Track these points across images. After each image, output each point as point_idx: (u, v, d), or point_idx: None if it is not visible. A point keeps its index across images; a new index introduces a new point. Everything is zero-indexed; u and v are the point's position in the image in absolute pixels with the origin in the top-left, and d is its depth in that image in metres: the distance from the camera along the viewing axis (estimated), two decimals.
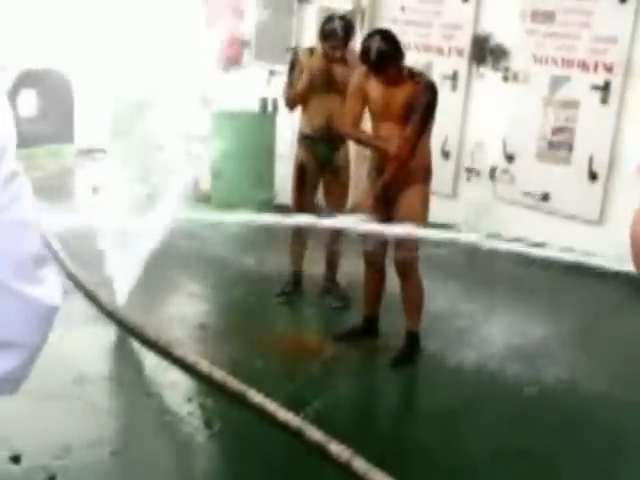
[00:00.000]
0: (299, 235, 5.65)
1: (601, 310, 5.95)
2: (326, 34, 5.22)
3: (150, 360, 4.67)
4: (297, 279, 5.77)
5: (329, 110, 5.35)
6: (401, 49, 4.47)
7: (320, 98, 5.36)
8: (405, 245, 4.60)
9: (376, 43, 4.39)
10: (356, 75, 4.75)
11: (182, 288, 5.87)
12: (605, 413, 4.27)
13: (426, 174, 4.64)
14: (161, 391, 4.31)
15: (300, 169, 5.55)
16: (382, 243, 4.70)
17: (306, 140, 5.52)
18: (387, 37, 4.46)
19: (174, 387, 4.35)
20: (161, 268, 5.89)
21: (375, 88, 4.53)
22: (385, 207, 4.63)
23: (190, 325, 5.22)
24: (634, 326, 5.68)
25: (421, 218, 4.62)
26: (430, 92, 4.44)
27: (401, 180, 4.54)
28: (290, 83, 5.46)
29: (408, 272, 4.66)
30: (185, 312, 5.43)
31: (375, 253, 4.80)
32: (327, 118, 5.37)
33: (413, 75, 4.51)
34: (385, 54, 4.38)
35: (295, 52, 5.62)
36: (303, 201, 5.56)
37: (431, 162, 4.70)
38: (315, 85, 5.34)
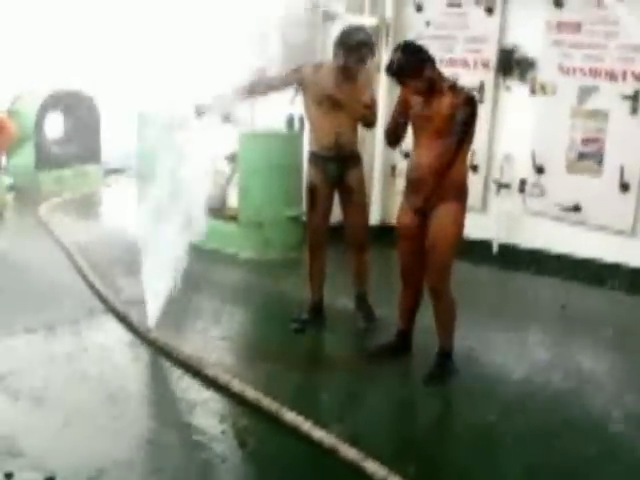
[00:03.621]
0: (317, 259, 5.56)
1: None
2: (345, 46, 5.13)
3: (182, 380, 4.66)
4: (317, 306, 5.62)
5: (338, 128, 5.24)
6: (427, 60, 4.44)
7: (329, 115, 5.23)
8: (437, 265, 4.55)
9: (397, 55, 4.39)
10: (401, 90, 4.72)
11: (210, 309, 5.84)
12: None
13: (461, 192, 4.58)
14: (194, 410, 4.28)
15: (311, 189, 5.43)
16: (419, 260, 4.65)
17: (316, 159, 5.40)
18: (410, 49, 4.45)
19: (207, 406, 4.33)
20: (190, 288, 5.91)
21: (418, 101, 4.51)
22: (420, 226, 4.58)
23: (217, 345, 5.19)
24: None
25: (454, 236, 4.56)
26: (470, 106, 4.40)
27: (436, 197, 4.49)
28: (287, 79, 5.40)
29: (439, 292, 4.61)
30: (213, 333, 5.40)
31: (412, 269, 4.76)
32: (336, 136, 5.25)
33: (454, 88, 4.48)
34: (405, 65, 4.37)
35: (298, 69, 5.37)
36: (316, 221, 5.46)
37: (467, 180, 4.64)
38: (323, 102, 5.23)
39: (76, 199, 9.50)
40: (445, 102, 4.39)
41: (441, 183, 4.45)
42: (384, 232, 6.37)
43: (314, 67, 5.39)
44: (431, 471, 3.71)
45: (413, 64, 4.39)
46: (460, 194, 4.58)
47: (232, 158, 7.84)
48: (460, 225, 4.59)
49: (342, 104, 5.16)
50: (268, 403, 4.20)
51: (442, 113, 4.39)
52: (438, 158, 4.41)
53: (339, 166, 5.34)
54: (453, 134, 4.35)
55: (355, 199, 5.45)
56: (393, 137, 4.77)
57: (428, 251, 4.55)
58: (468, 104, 4.40)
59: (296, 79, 5.36)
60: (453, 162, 4.42)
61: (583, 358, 5.11)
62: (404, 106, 4.61)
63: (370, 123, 5.35)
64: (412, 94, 4.50)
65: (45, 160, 9.72)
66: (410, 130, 4.70)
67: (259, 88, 5.47)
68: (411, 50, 4.45)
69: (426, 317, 4.83)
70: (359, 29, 5.31)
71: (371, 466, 3.57)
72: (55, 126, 10.06)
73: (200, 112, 5.51)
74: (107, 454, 3.79)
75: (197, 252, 6.25)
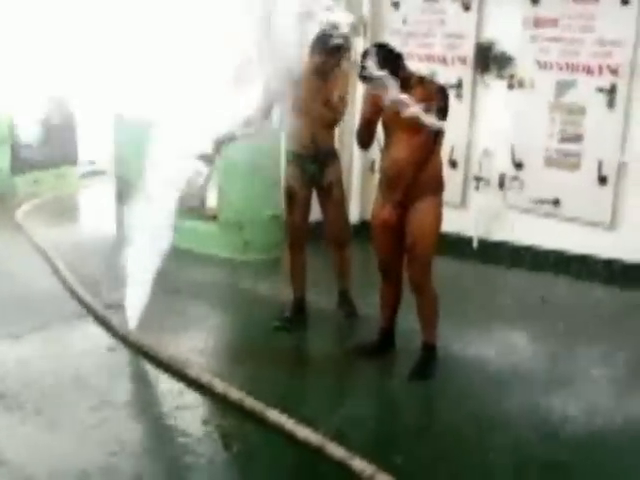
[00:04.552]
0: (298, 257, 5.55)
1: None
2: (321, 50, 5.12)
3: (164, 382, 4.62)
4: (299, 305, 5.59)
5: (313, 127, 5.22)
6: (398, 60, 4.41)
7: (305, 113, 5.20)
8: (419, 260, 4.54)
9: (371, 59, 4.33)
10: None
11: (190, 311, 5.80)
12: None
13: (438, 185, 4.59)
14: (177, 413, 4.24)
15: (289, 188, 5.43)
16: (397, 254, 4.65)
17: (293, 158, 5.39)
18: (381, 51, 4.38)
19: (190, 408, 4.29)
20: (171, 290, 5.87)
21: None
22: (398, 220, 4.57)
23: (199, 347, 5.16)
24: None
25: (434, 230, 4.56)
26: (442, 96, 4.39)
27: (414, 192, 4.48)
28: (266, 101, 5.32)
29: (422, 287, 4.60)
30: (194, 334, 5.36)
31: (390, 267, 4.75)
32: (312, 135, 5.24)
33: (423, 82, 4.47)
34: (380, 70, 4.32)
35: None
36: (296, 220, 5.44)
37: (442, 173, 4.64)
38: (299, 100, 5.19)
39: (53, 202, 9.40)
40: (417, 95, 4.37)
41: (419, 177, 4.44)
42: (364, 229, 6.35)
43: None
44: (418, 467, 3.69)
45: (387, 67, 4.35)
46: (437, 188, 4.59)
47: (209, 158, 7.78)
48: (440, 219, 4.60)
49: (322, 98, 5.14)
50: (252, 403, 4.17)
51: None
52: (415, 152, 4.39)
53: (317, 164, 5.32)
54: (428, 127, 4.33)
55: (334, 196, 5.43)
56: (365, 138, 4.73)
57: (409, 246, 4.54)
58: (440, 94, 4.40)
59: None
60: (431, 154, 4.41)
61: (564, 350, 5.11)
62: (373, 107, 4.57)
63: (330, 123, 5.31)
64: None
65: (21, 163, 9.62)
66: (381, 128, 4.67)
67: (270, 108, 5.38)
68: (382, 53, 4.38)
69: (408, 313, 4.82)
70: (335, 32, 5.27)
71: (358, 464, 3.55)
72: (30, 129, 9.96)
73: (219, 145, 5.49)
74: (90, 460, 3.74)
75: (176, 253, 6.22)
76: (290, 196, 5.43)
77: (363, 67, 4.33)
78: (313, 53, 5.16)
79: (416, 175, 4.43)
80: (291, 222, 5.48)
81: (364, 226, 6.82)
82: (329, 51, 5.08)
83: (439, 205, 4.59)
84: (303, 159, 5.31)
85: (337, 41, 5.08)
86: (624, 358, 4.98)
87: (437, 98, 4.37)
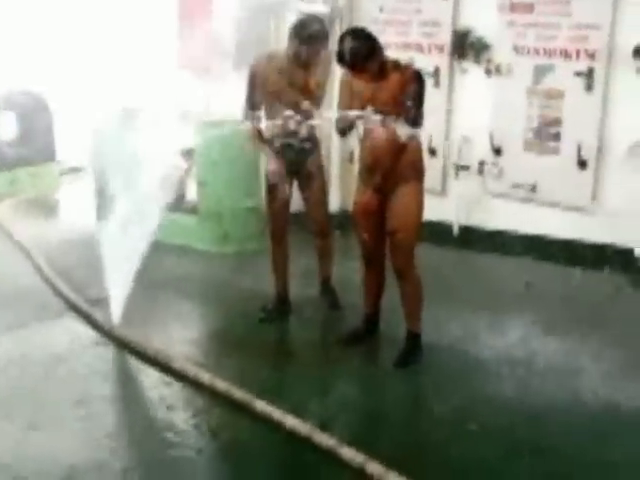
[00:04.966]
0: (280, 247, 5.54)
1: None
2: (300, 38, 5.07)
3: (150, 376, 4.60)
4: (282, 296, 5.58)
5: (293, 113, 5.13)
6: (378, 44, 4.38)
7: (283, 102, 5.13)
8: (402, 247, 4.54)
9: (349, 44, 4.30)
10: (343, 75, 4.70)
11: (174, 304, 5.77)
12: None
13: (418, 171, 4.59)
14: (163, 406, 4.22)
15: (269, 179, 5.39)
16: (379, 241, 4.65)
17: (273, 147, 5.34)
18: (360, 36, 4.36)
19: (176, 401, 4.28)
20: (154, 284, 5.84)
21: (362, 85, 4.47)
22: (379, 206, 4.57)
23: (184, 340, 5.15)
24: None
25: (417, 215, 4.57)
26: (418, 80, 4.39)
27: (394, 178, 4.48)
28: (250, 93, 5.31)
29: (406, 273, 4.60)
30: (178, 328, 5.34)
31: (374, 251, 4.75)
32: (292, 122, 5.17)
33: (398, 67, 4.46)
34: (360, 53, 4.29)
35: (254, 64, 5.28)
36: (277, 209, 5.41)
37: (422, 159, 4.64)
38: (277, 89, 5.17)
39: (32, 200, 9.33)
40: (393, 81, 4.37)
41: (398, 163, 4.44)
42: (344, 219, 6.34)
43: (266, 59, 5.31)
44: (407, 454, 3.69)
45: (366, 50, 4.32)
46: (418, 173, 4.59)
47: (188, 153, 7.75)
48: (422, 204, 4.60)
49: (301, 86, 5.13)
50: (239, 394, 4.16)
51: (393, 93, 4.37)
52: (393, 139, 4.38)
53: (297, 153, 5.30)
54: (405, 112, 4.33)
55: (315, 185, 5.42)
56: (343, 126, 4.69)
57: (392, 232, 4.54)
58: (415, 78, 4.40)
59: (254, 69, 5.29)
60: (409, 140, 4.42)
61: (550, 337, 5.13)
62: (350, 95, 4.56)
63: (305, 110, 5.28)
64: (364, 81, 4.45)
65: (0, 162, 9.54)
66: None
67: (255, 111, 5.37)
68: (360, 36, 4.36)
69: (392, 301, 4.83)
70: (313, 20, 5.24)
71: (347, 452, 3.54)
72: (7, 127, 9.87)
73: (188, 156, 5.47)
74: (77, 455, 3.72)
75: (158, 247, 6.19)
76: (270, 184, 5.40)
77: (341, 52, 4.32)
78: (291, 42, 5.14)
79: (395, 161, 4.42)
80: (272, 211, 5.46)
81: (344, 216, 6.82)
82: (306, 39, 5.05)
83: (420, 191, 4.59)
84: (284, 147, 5.28)
85: (314, 29, 5.06)
86: (608, 341, 5.00)
87: (413, 83, 4.36)
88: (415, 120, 4.37)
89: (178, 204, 7.81)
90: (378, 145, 4.47)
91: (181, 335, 5.23)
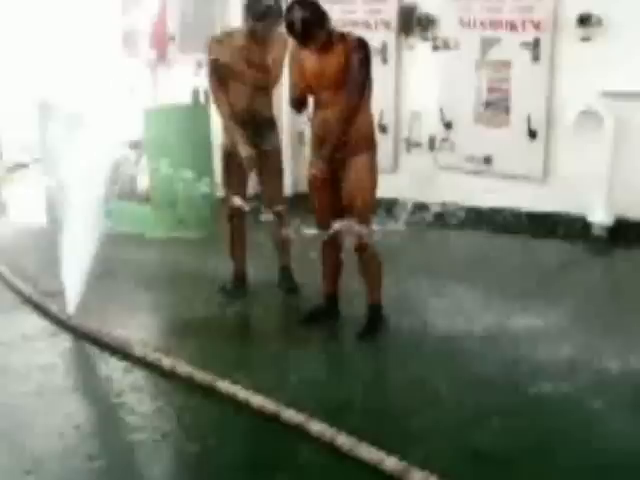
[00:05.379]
0: (237, 227, 5.49)
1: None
2: (253, 15, 5.02)
3: (110, 363, 4.52)
4: (240, 277, 5.56)
5: (252, 93, 5.16)
6: (325, 14, 4.34)
7: (242, 80, 5.13)
8: (359, 218, 4.51)
9: (298, 13, 4.26)
10: (289, 50, 4.65)
11: (131, 291, 5.69)
12: None
13: (370, 142, 4.56)
14: (125, 392, 4.14)
15: (227, 156, 5.34)
16: (336, 214, 4.60)
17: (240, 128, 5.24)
18: (307, 5, 4.30)
19: (138, 387, 4.20)
20: (109, 273, 5.75)
21: (310, 58, 4.43)
22: (332, 178, 4.54)
23: (143, 326, 5.08)
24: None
25: (371, 186, 4.55)
26: (362, 47, 4.36)
27: (347, 149, 4.44)
28: (210, 70, 5.24)
29: (364, 245, 4.57)
30: (137, 314, 5.27)
31: (329, 225, 4.70)
32: (250, 101, 5.17)
33: (343, 37, 4.42)
34: (308, 22, 4.25)
35: (212, 38, 5.28)
36: (233, 190, 5.36)
37: (374, 130, 4.62)
38: (236, 67, 5.12)
39: None
40: (339, 51, 4.34)
41: (349, 133, 4.40)
42: (298, 201, 6.29)
43: (224, 37, 5.26)
44: (375, 426, 3.67)
45: (314, 19, 4.28)
46: (370, 144, 4.56)
47: (137, 142, 7.65)
48: (376, 174, 4.57)
49: (258, 64, 5.08)
50: (202, 376, 4.10)
51: (339, 63, 4.34)
52: (343, 109, 4.36)
53: (255, 131, 5.24)
54: (351, 81, 4.31)
55: (272, 164, 5.37)
56: (298, 103, 4.67)
57: (348, 204, 4.51)
58: (360, 46, 4.36)
59: (211, 46, 5.23)
60: (359, 109, 4.38)
61: (504, 303, 5.16)
62: (300, 69, 4.52)
63: (265, 88, 5.23)
64: (312, 52, 4.41)
65: None
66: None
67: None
68: (308, 5, 4.30)
69: (351, 277, 4.81)
70: None
71: (316, 426, 3.51)
72: None
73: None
74: (41, 447, 3.62)
75: (113, 237, 6.12)
76: (228, 164, 5.34)
77: (290, 21, 4.27)
78: (245, 18, 5.08)
79: (346, 131, 4.39)
80: (229, 190, 5.39)
81: (298, 199, 6.79)
82: (260, 16, 4.99)
83: (374, 161, 4.56)
84: (241, 126, 5.19)
85: (267, 5, 5.00)
86: (565, 308, 5.03)
87: (357, 50, 4.33)
88: (362, 87, 4.35)
89: (130, 193, 7.74)
90: (325, 117, 4.43)
91: (140, 321, 5.16)
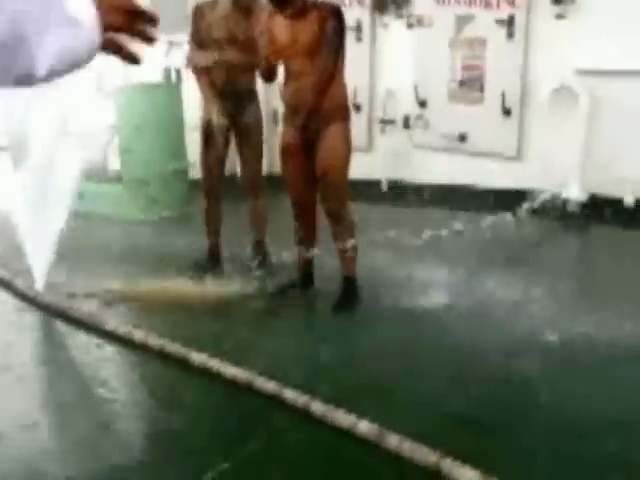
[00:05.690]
0: (213, 202, 5.43)
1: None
2: None
3: (81, 338, 4.44)
4: (214, 252, 5.52)
5: (233, 63, 5.11)
6: None
7: (224, 50, 5.10)
8: (333, 187, 4.46)
9: None
10: (260, 20, 4.58)
11: (103, 270, 5.59)
12: None
13: (344, 112, 4.51)
14: (96, 366, 4.07)
15: (206, 128, 5.27)
16: (309, 185, 4.56)
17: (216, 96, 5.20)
18: None
19: (110, 361, 4.15)
20: (80, 254, 5.67)
21: (282, 26, 4.37)
22: (306, 149, 4.48)
23: (114, 302, 5.00)
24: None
25: (346, 155, 4.50)
26: (337, 15, 4.31)
27: (321, 119, 4.39)
28: (193, 38, 5.22)
29: (339, 215, 4.53)
30: (108, 291, 5.16)
31: (302, 197, 4.66)
32: (231, 71, 5.12)
33: (316, 4, 4.37)
34: None
35: (197, 6, 5.26)
36: (211, 163, 5.31)
37: (347, 99, 4.57)
38: (218, 37, 5.09)
39: None
40: (312, 19, 4.30)
41: (323, 102, 4.35)
42: (271, 182, 6.20)
43: (209, 5, 5.19)
44: (345, 395, 3.61)
45: None
46: (344, 114, 4.52)
47: (109, 124, 7.55)
48: (350, 143, 4.53)
49: (241, 34, 5.03)
50: (174, 348, 4.03)
51: (313, 31, 4.29)
52: (317, 77, 4.31)
53: (235, 103, 5.18)
54: (325, 49, 4.27)
55: (252, 138, 5.33)
56: (267, 72, 4.62)
57: (322, 174, 4.46)
58: (334, 14, 4.32)
59: (197, 15, 5.19)
60: (333, 77, 4.34)
61: (478, 278, 5.15)
62: (271, 37, 4.46)
63: (250, 60, 5.16)
64: (287, 19, 4.35)
65: None
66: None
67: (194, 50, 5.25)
68: None
69: (327, 251, 4.77)
70: None
71: (290, 394, 3.46)
72: None
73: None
74: (7, 420, 3.55)
75: (85, 218, 6.06)
76: (207, 135, 5.27)
77: None
78: None
79: (320, 100, 4.33)
80: (207, 163, 5.34)
81: (271, 180, 6.72)
82: None
83: (348, 131, 4.52)
84: (221, 97, 5.14)
85: None
86: (541, 282, 5.02)
87: (332, 18, 4.29)
88: (337, 55, 4.31)
89: (102, 174, 7.64)
90: (298, 86, 4.38)
91: (110, 297, 5.05)
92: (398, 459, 2.99)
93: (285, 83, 4.53)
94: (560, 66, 6.21)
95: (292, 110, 4.47)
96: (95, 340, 4.38)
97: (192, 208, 6.55)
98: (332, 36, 4.27)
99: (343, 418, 3.24)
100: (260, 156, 5.45)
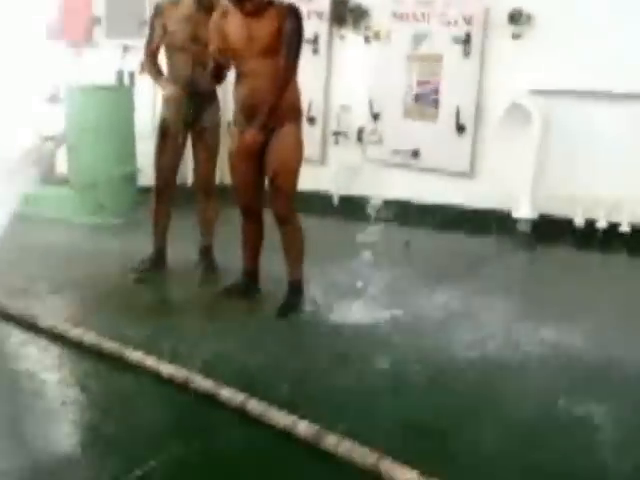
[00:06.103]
0: (163, 204, 5.32)
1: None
2: None
3: (15, 336, 4.28)
4: (160, 254, 5.40)
5: (195, 63, 5.02)
6: None
7: (185, 50, 5.02)
8: (283, 190, 4.38)
9: None
10: (213, 19, 4.48)
11: (46, 273, 5.42)
12: None
13: (297, 112, 4.45)
14: (27, 362, 3.92)
15: (163, 128, 5.19)
16: (257, 188, 4.48)
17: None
18: None
19: (42, 358, 3.99)
20: (24, 256, 5.54)
21: (237, 25, 4.28)
22: (257, 149, 4.39)
23: (55, 303, 4.84)
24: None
25: (297, 158, 4.42)
26: (296, 15, 4.25)
27: (276, 119, 4.30)
28: (150, 38, 5.13)
29: (287, 218, 4.44)
30: (50, 293, 5.01)
31: (252, 202, 4.57)
32: (192, 72, 5.04)
33: (273, 3, 4.30)
34: None
35: (158, 6, 5.14)
36: (166, 161, 5.21)
37: (300, 101, 4.50)
38: (180, 37, 5.02)
39: None
40: (269, 17, 4.23)
41: (279, 104, 4.27)
42: (221, 192, 6.11)
43: (171, 3, 5.10)
44: (290, 395, 3.52)
45: None
46: (297, 115, 4.46)
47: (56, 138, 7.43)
48: (302, 146, 4.45)
49: (202, 33, 4.88)
50: (110, 345, 3.90)
51: (269, 29, 4.22)
52: (274, 77, 4.23)
53: (195, 104, 5.10)
54: (285, 48, 4.20)
55: (208, 140, 5.25)
56: (217, 71, 4.52)
57: (272, 175, 4.38)
58: (292, 14, 4.25)
59: (157, 14, 5.11)
60: (291, 78, 4.28)
61: (424, 290, 5.10)
62: (222, 35, 4.37)
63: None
64: (243, 15, 4.27)
65: None
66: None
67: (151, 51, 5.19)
68: None
69: (273, 256, 4.69)
70: None
71: (227, 393, 3.35)
72: None
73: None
74: None
75: (31, 221, 5.91)
76: (163, 134, 5.19)
77: None
78: None
79: (279, 99, 4.25)
80: (160, 162, 5.24)
81: (221, 190, 6.62)
82: None
83: (300, 131, 4.45)
84: (182, 96, 5.06)
85: None
86: (484, 298, 4.98)
87: (291, 17, 4.23)
88: (293, 57, 4.24)
89: (48, 177, 7.47)
90: (254, 86, 4.30)
91: (51, 297, 4.91)
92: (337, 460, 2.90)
93: (239, 83, 4.43)
94: (514, 85, 6.25)
95: (248, 110, 4.36)
96: (29, 337, 4.22)
97: (139, 215, 6.41)
98: (292, 34, 4.21)
99: (281, 418, 3.14)
100: (215, 159, 5.36)
